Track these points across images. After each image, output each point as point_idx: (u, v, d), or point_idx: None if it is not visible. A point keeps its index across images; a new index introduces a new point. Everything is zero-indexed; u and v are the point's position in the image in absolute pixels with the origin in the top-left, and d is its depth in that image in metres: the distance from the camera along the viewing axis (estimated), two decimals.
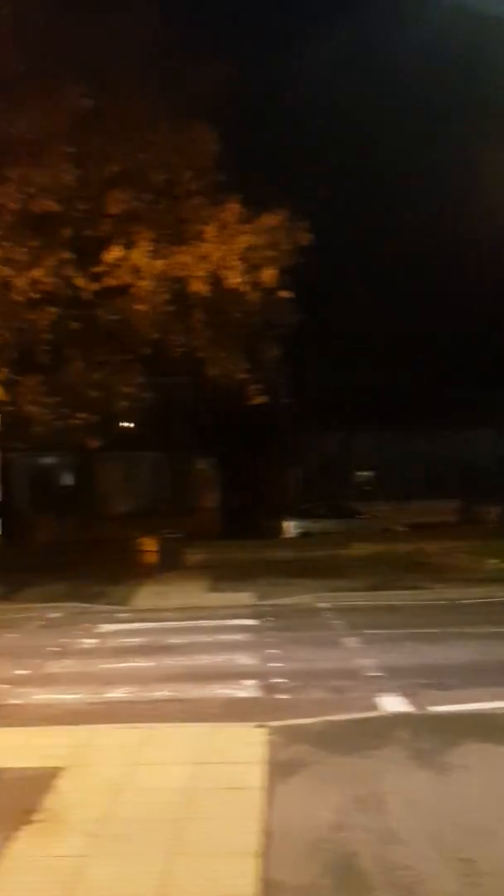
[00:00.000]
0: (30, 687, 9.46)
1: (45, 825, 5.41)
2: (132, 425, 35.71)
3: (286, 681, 9.38)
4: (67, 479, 36.08)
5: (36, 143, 16.28)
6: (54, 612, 15.52)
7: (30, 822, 5.47)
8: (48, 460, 35.96)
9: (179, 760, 6.68)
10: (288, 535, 27.61)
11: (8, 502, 34.55)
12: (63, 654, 11.41)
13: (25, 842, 5.16)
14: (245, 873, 4.65)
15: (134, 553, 23.26)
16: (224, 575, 19.69)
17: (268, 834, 5.13)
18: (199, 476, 37.56)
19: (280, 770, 6.39)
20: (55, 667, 10.56)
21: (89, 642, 12.30)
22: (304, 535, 27.17)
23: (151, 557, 22.34)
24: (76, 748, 7.02)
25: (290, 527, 27.86)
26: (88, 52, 17.23)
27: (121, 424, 35.33)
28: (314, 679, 9.45)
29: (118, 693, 9.06)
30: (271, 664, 10.30)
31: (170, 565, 21.13)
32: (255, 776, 6.30)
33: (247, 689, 9.11)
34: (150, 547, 22.56)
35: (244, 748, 6.96)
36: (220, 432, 37.43)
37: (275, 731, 7.41)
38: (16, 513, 34.22)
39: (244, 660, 10.65)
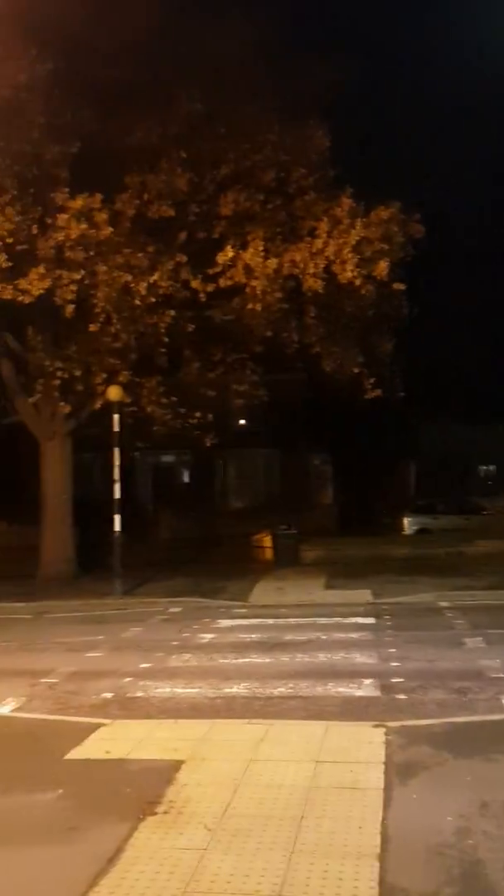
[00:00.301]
0: (152, 680, 9.71)
1: (167, 817, 5.54)
2: (247, 423, 36.18)
3: (405, 681, 9.25)
4: (186, 477, 36.85)
5: (151, 151, 16.68)
6: (175, 607, 15.88)
7: (153, 812, 5.62)
8: (168, 458, 36.86)
9: (297, 758, 6.71)
10: (406, 532, 27.17)
11: (131, 500, 35.73)
12: (184, 648, 11.65)
13: (148, 833, 5.30)
14: (364, 876, 4.62)
15: (251, 549, 23.48)
16: (340, 572, 19.62)
17: (387, 837, 5.08)
18: (314, 472, 37.57)
19: (399, 771, 6.32)
20: (176, 661, 10.79)
21: (208, 637, 12.51)
22: (423, 532, 26.65)
23: (268, 554, 22.47)
24: (196, 742, 7.16)
25: (408, 523, 27.40)
26: (200, 56, 17.53)
27: (237, 422, 35.88)
28: (435, 679, 9.28)
29: (237, 688, 9.17)
30: (390, 663, 10.18)
31: (286, 562, 21.18)
32: (374, 777, 6.25)
33: (365, 688, 9.04)
34: (266, 543, 22.69)
35: (362, 748, 6.92)
36: (334, 428, 37.35)
37: (394, 731, 7.34)
38: (138, 510, 35.32)
39: (362, 658, 10.57)
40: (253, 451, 35.96)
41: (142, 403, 19.38)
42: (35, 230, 15.28)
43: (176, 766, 6.55)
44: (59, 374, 17.96)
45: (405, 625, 12.93)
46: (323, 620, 13.63)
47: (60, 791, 6.06)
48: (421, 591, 16.39)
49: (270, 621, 13.79)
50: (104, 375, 18.26)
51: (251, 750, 6.95)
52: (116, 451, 17.70)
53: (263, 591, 17.49)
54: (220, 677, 9.72)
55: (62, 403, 19.07)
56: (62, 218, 14.78)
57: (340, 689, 9.01)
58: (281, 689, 9.07)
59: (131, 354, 18.47)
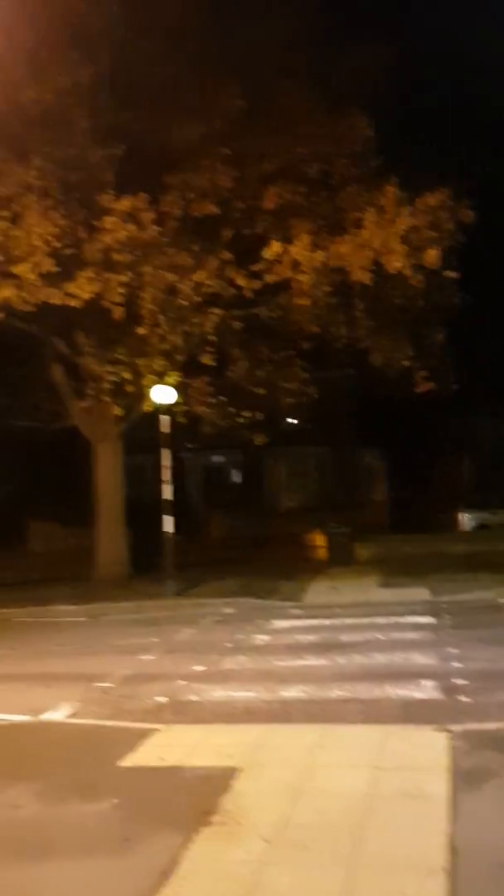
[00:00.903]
0: (206, 683, 9.56)
1: (223, 828, 5.36)
2: (297, 421, 35.92)
3: (468, 682, 8.93)
4: (237, 477, 36.74)
5: (194, 149, 16.56)
6: (228, 608, 15.74)
7: (209, 823, 5.44)
8: (218, 458, 36.78)
9: (356, 764, 6.48)
10: (463, 528, 26.59)
11: (182, 500, 35.79)
12: (237, 650, 11.50)
13: (204, 845, 5.13)
14: (432, 892, 4.38)
15: (303, 548, 23.23)
16: (396, 570, 19.27)
17: (455, 850, 4.82)
18: (366, 469, 37.11)
19: (465, 779, 6.05)
20: (230, 663, 10.64)
21: (263, 639, 12.33)
22: (482, 528, 26.04)
23: (321, 552, 22.20)
24: (252, 748, 6.98)
25: (465, 519, 26.80)
26: (241, 51, 17.36)
27: (287, 420, 35.66)
28: (499, 680, 8.96)
29: (293, 692, 8.96)
30: (452, 664, 9.86)
31: (340, 560, 20.89)
32: (438, 784, 5.99)
33: (425, 691, 8.75)
34: (319, 542, 22.42)
35: (425, 753, 6.66)
36: (387, 423, 36.83)
37: (458, 735, 7.05)
38: (189, 510, 35.33)
39: (422, 659, 10.28)
40: (303, 449, 35.64)
41: (190, 404, 19.31)
42: (81, 233, 15.26)
43: (231, 773, 6.37)
44: (108, 377, 17.95)
45: (465, 623, 12.57)
46: (380, 620, 13.34)
47: (115, 800, 5.93)
48: (480, 588, 15.95)
49: (326, 622, 13.55)
50: (153, 377, 18.21)
51: (309, 756, 6.75)
52: (165, 452, 17.63)
53: (318, 591, 17.25)
54: (276, 680, 9.52)
55: (112, 406, 19.07)
56: (109, 220, 14.74)
57: (400, 692, 8.74)
58: (338, 692, 8.84)
59: (178, 355, 18.40)
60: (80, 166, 15.76)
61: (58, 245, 14.71)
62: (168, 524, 17.62)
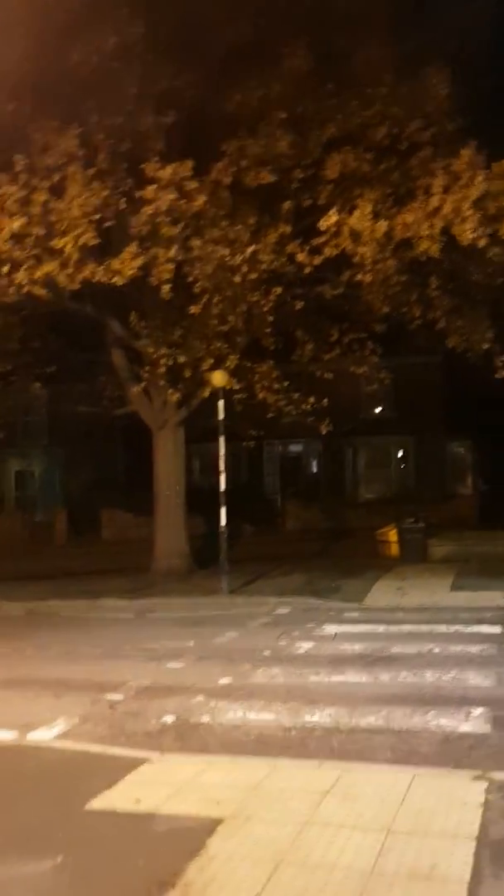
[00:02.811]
0: (226, 700, 8.50)
1: None
2: (379, 409, 34.39)
3: None
4: (315, 467, 35.53)
5: (251, 114, 15.41)
6: (282, 608, 14.68)
7: None
8: (296, 448, 35.67)
9: (364, 823, 5.29)
10: None
11: (258, 491, 34.85)
12: (274, 659, 10.38)
13: None
14: None
15: (377, 543, 21.88)
16: (472, 570, 17.81)
17: None
18: (453, 460, 35.28)
19: (495, 852, 4.80)
20: (261, 676, 9.54)
21: (306, 646, 11.17)
22: None
23: (394, 549, 20.82)
24: (247, 791, 5.87)
25: None
26: (306, 9, 16.10)
27: (369, 409, 34.17)
28: None
29: (318, 717, 7.79)
30: None
31: (412, 558, 19.53)
32: (459, 860, 4.75)
33: (472, 722, 7.44)
34: (391, 538, 21.04)
35: (452, 812, 5.41)
36: (477, 412, 34.84)
37: (499, 787, 5.78)
38: (266, 501, 34.38)
39: (477, 679, 8.94)
40: (385, 439, 34.16)
41: (254, 389, 18.25)
42: (123, 205, 14.32)
43: (212, 826, 5.29)
44: (163, 361, 17.07)
45: None
46: (441, 628, 12.00)
47: (60, 858, 4.92)
48: None
49: (381, 628, 12.29)
50: (211, 361, 17.23)
51: (310, 807, 5.59)
52: (221, 440, 16.61)
53: (382, 592, 15.96)
54: (304, 700, 8.38)
55: (170, 391, 18.20)
56: (150, 189, 13.74)
57: (442, 722, 7.46)
58: (370, 720, 7.62)
59: (239, 338, 17.34)
60: (129, 134, 14.82)
61: (98, 217, 13.82)
62: (224, 517, 16.60)
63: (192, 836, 5.16)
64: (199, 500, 22.28)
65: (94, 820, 5.52)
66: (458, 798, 5.64)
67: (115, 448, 35.45)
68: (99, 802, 5.77)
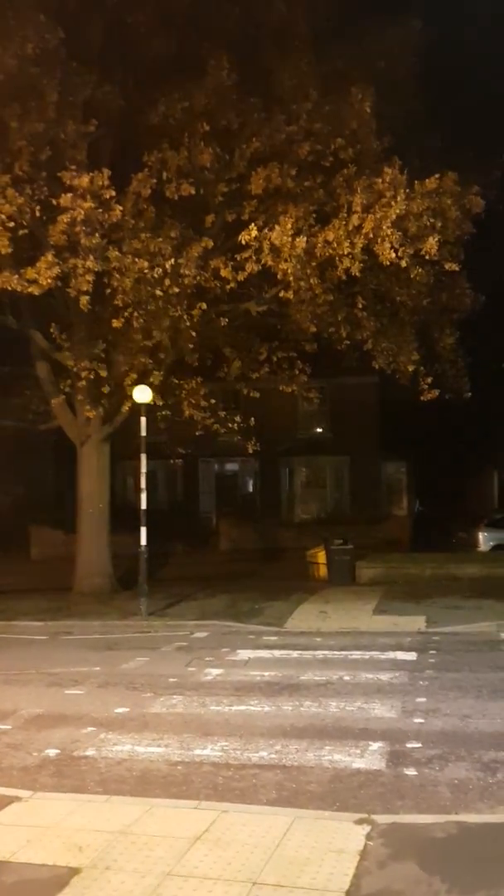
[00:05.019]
0: (117, 732, 8.05)
1: None
2: (315, 429, 34.29)
3: (423, 746, 7.30)
4: (251, 486, 35.20)
5: (175, 126, 15.14)
6: (201, 631, 14.27)
7: None
8: (232, 466, 35.29)
9: (230, 874, 4.91)
10: (480, 548, 24.57)
11: (191, 509, 34.35)
12: (179, 687, 9.94)
13: None
14: None
15: (306, 565, 21.61)
16: (397, 593, 17.60)
17: None
18: (388, 481, 35.30)
19: None
20: (160, 706, 9.09)
21: (215, 673, 10.75)
22: (499, 549, 24.02)
23: (322, 570, 20.55)
24: (113, 837, 5.45)
25: (483, 538, 24.74)
26: (232, 23, 15.95)
27: (304, 428, 34.03)
28: (461, 746, 7.29)
29: (209, 750, 7.40)
30: (412, 719, 8.22)
31: (339, 580, 19.26)
32: None
33: (367, 757, 7.12)
34: (320, 559, 20.77)
35: (326, 861, 5.06)
36: (411, 434, 34.95)
37: (381, 832, 5.48)
38: (200, 519, 33.89)
39: (381, 710, 8.63)
40: (321, 459, 34.00)
41: (181, 407, 17.89)
42: (38, 213, 13.88)
43: (66, 878, 4.87)
44: (84, 374, 16.60)
45: (450, 664, 10.88)
46: (356, 655, 11.71)
47: None
48: (483, 618, 14.28)
49: (295, 654, 11.94)
50: (135, 376, 16.82)
51: (176, 855, 5.18)
52: (143, 458, 16.17)
53: (304, 615, 15.63)
54: (199, 732, 7.97)
55: (87, 407, 17.70)
56: (66, 198, 13.33)
57: (336, 757, 7.13)
58: (262, 754, 7.26)
59: (163, 354, 16.96)
60: (51, 142, 14.41)
61: (13, 225, 13.35)
62: (144, 536, 16.13)
63: (41, 890, 4.72)
64: (132, 518, 21.71)
65: None
66: (335, 845, 5.30)
67: (45, 464, 34.61)
68: None
